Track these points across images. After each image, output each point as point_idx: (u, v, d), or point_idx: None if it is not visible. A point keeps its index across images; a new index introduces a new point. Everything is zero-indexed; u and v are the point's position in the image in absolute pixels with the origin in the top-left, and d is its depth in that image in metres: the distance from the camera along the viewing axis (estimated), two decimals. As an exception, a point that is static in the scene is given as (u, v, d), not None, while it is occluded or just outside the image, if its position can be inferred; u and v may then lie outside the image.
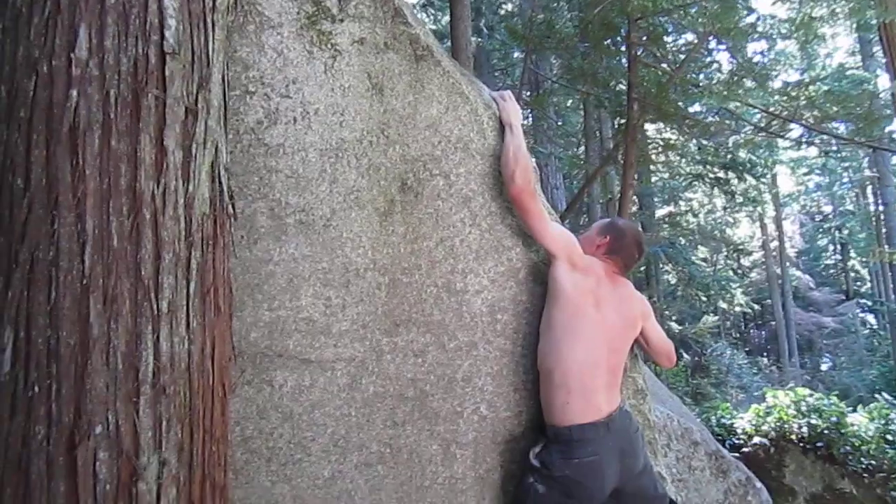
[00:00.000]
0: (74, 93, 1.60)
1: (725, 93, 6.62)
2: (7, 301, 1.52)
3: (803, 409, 8.22)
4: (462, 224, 2.93)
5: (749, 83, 8.26)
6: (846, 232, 28.92)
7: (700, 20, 7.58)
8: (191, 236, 1.68)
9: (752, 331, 29.19)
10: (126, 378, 1.53)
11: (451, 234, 2.91)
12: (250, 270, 2.54)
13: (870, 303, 26.99)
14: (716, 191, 18.44)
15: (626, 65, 8.01)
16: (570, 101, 17.24)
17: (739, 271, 25.63)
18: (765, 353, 27.09)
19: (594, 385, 2.77)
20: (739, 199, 18.92)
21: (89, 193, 1.56)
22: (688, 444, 4.77)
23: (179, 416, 1.59)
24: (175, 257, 1.63)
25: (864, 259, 27.83)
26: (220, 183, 1.82)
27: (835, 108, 7.48)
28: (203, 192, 1.73)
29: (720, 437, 8.02)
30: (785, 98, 8.48)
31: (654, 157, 11.64)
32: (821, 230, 31.40)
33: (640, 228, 3.45)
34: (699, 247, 22.12)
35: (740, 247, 24.16)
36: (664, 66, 8.20)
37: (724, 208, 21.93)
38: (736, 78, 7.21)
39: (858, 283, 29.97)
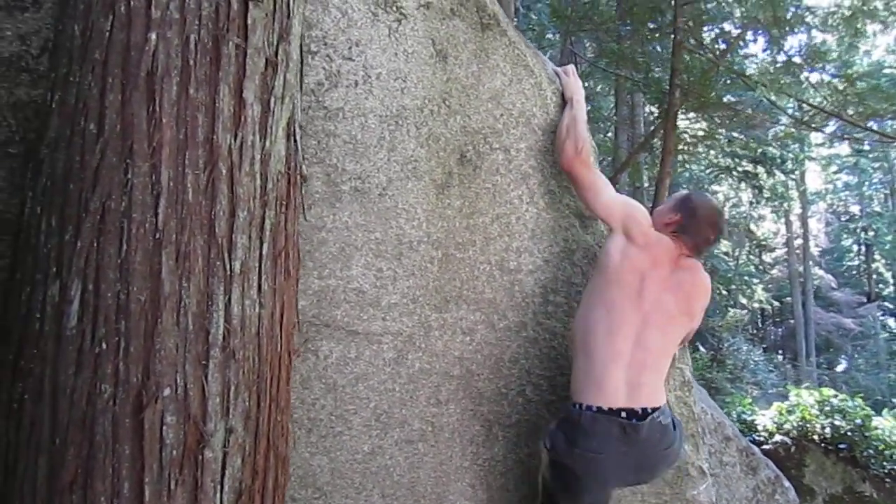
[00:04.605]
0: (153, 36, 1.51)
1: (777, 84, 6.44)
2: (76, 251, 1.45)
3: (827, 409, 8.12)
4: (519, 201, 2.84)
5: (786, 77, 8.08)
6: (872, 233, 28.54)
7: (748, 7, 7.41)
8: (266, 195, 1.60)
9: (769, 327, 28.97)
10: (196, 339, 1.46)
11: (507, 210, 2.82)
12: (303, 237, 2.46)
13: (891, 306, 26.72)
14: (743, 185, 18.22)
15: (671, 50, 7.83)
16: (600, 86, 17.03)
17: (761, 267, 25.39)
18: (780, 351, 26.89)
19: (614, 360, 2.48)
20: (767, 195, 18.66)
21: (165, 143, 1.48)
22: (720, 438, 4.69)
23: (247, 382, 1.52)
24: (249, 216, 1.56)
25: (888, 261, 27.47)
26: (296, 141, 1.74)
27: (883, 105, 7.28)
28: (279, 149, 1.65)
29: (741, 433, 7.95)
30: (829, 92, 8.28)
31: (688, 148, 11.45)
32: (846, 230, 30.99)
33: (718, 207, 2.98)
34: (722, 240, 21.90)
35: (763, 242, 23.92)
36: (708, 54, 8.03)
37: (750, 203, 21.68)
38: (787, 68, 7.03)
39: (881, 286, 29.59)
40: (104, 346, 1.41)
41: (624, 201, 2.73)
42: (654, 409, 2.49)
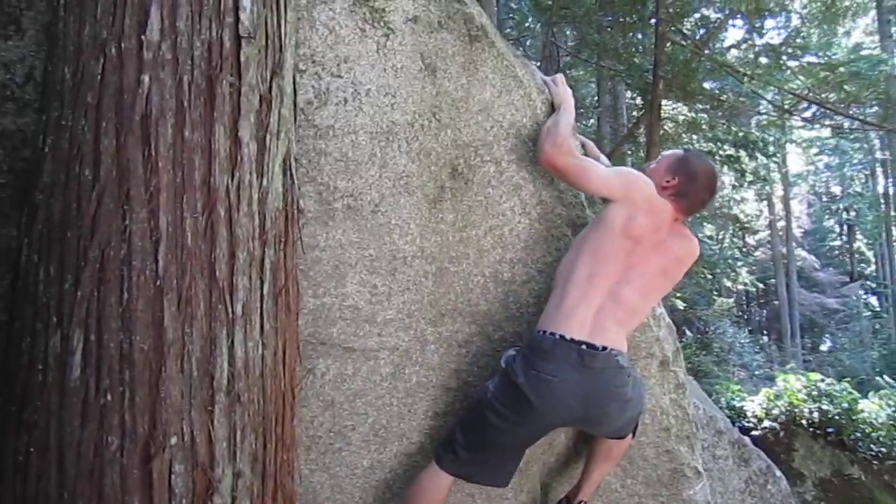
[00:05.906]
0: (146, 78, 1.49)
1: (760, 73, 6.46)
2: (76, 301, 1.43)
3: (814, 394, 8.19)
4: (512, 213, 2.84)
5: (768, 65, 8.10)
6: (853, 213, 28.78)
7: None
8: (265, 234, 1.59)
9: (754, 309, 29.18)
10: (201, 385, 1.45)
11: (500, 222, 2.82)
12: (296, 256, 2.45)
13: (874, 285, 26.97)
14: (725, 168, 18.22)
15: (654, 41, 7.82)
16: (581, 71, 16.96)
17: (744, 250, 25.53)
18: (765, 332, 27.10)
19: (586, 302, 2.48)
20: (749, 178, 18.69)
21: (162, 187, 1.46)
22: (713, 432, 4.73)
23: (253, 424, 1.52)
24: (249, 256, 1.55)
25: (869, 241, 27.69)
26: (291, 176, 1.73)
27: (864, 92, 7.32)
28: (276, 186, 1.64)
29: (730, 420, 8.01)
30: (811, 80, 8.32)
31: (671, 137, 11.46)
32: (828, 211, 31.26)
33: (714, 167, 2.87)
34: (705, 224, 21.96)
35: (746, 225, 24.02)
36: (690, 42, 8.02)
37: (733, 186, 21.73)
38: (769, 55, 7.04)
39: (863, 265, 29.88)
40: (109, 396, 1.40)
41: (619, 171, 2.67)
42: (613, 350, 2.49)
